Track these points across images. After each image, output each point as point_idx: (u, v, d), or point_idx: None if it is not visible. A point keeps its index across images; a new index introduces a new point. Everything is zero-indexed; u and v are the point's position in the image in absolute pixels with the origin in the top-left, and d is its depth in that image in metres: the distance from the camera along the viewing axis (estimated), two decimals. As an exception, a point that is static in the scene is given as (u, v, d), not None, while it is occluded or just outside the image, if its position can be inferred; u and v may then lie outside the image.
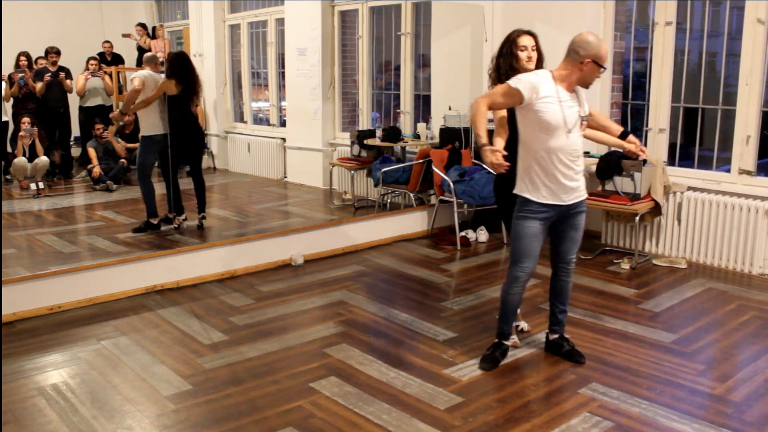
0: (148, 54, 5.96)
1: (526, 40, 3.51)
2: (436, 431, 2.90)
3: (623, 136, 3.44)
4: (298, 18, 7.98)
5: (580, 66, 3.14)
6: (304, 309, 4.38)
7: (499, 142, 3.35)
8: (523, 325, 3.93)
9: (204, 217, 5.98)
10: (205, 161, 9.07)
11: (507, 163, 3.09)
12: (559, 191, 3.24)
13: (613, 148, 5.55)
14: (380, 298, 4.60)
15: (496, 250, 5.79)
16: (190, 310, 4.36)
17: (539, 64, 3.55)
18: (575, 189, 3.29)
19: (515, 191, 3.34)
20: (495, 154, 3.07)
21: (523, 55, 3.49)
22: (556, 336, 3.63)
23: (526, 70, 3.39)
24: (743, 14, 4.97)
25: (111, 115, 6.47)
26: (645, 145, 5.68)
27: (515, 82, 3.13)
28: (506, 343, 3.58)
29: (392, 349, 3.75)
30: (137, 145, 7.45)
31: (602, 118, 3.54)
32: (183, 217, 5.97)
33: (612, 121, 3.57)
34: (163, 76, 5.68)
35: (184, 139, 5.79)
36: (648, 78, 5.64)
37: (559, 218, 3.34)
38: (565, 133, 3.18)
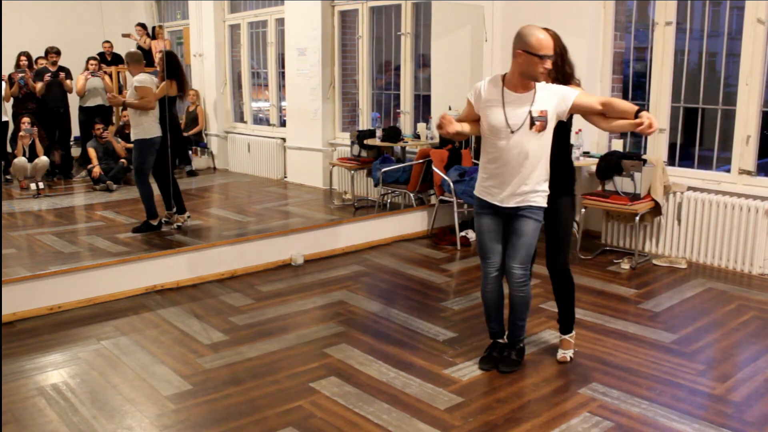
0: (137, 53, 5.82)
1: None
2: (436, 431, 2.90)
3: (637, 115, 3.19)
4: (298, 18, 7.98)
5: (515, 59, 3.08)
6: (304, 309, 4.38)
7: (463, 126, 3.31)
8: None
9: (189, 217, 6.00)
10: (205, 161, 9.08)
11: (446, 120, 3.16)
12: (496, 192, 3.23)
13: (613, 148, 5.58)
14: (380, 298, 4.60)
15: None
16: (190, 310, 4.36)
17: (564, 70, 3.34)
18: (519, 194, 3.20)
19: None
20: (444, 118, 3.15)
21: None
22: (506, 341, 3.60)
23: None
24: (743, 14, 4.97)
25: (109, 96, 6.41)
26: (645, 145, 5.69)
27: (470, 93, 3.24)
28: (500, 341, 3.58)
29: (392, 349, 3.75)
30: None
31: (618, 104, 3.19)
32: (187, 215, 5.96)
33: (627, 103, 3.22)
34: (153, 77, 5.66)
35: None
36: (648, 78, 5.64)
37: (506, 219, 3.30)
38: (507, 135, 3.12)
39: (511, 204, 3.22)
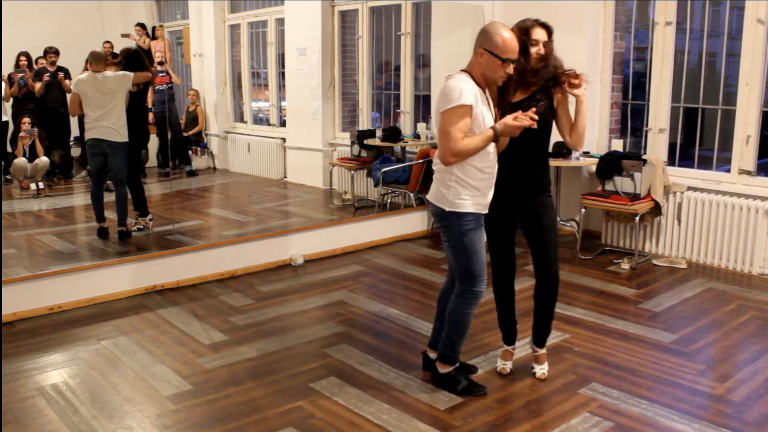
0: (98, 53, 5.65)
1: (538, 33, 3.06)
2: (436, 431, 2.90)
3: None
4: (298, 18, 7.98)
5: (477, 58, 2.87)
6: (304, 309, 4.38)
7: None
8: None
9: (151, 220, 6.00)
10: (205, 161, 9.09)
11: (532, 110, 2.86)
12: (486, 201, 3.03)
13: (613, 148, 5.58)
14: (380, 298, 4.60)
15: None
16: (190, 310, 4.36)
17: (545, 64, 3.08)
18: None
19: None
20: (517, 119, 2.83)
21: (533, 50, 3.03)
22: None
23: (531, 70, 3.03)
24: (743, 14, 4.97)
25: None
26: (645, 145, 5.68)
27: (461, 97, 2.79)
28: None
29: (392, 349, 3.75)
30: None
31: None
32: (149, 217, 5.96)
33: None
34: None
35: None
36: (648, 78, 5.64)
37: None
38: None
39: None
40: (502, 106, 3.05)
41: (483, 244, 3.02)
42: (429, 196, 3.07)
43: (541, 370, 3.38)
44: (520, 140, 3.00)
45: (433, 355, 3.41)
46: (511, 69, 2.86)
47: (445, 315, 3.17)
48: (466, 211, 2.94)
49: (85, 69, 7.55)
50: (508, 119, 2.85)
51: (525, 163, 3.12)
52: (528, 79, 3.07)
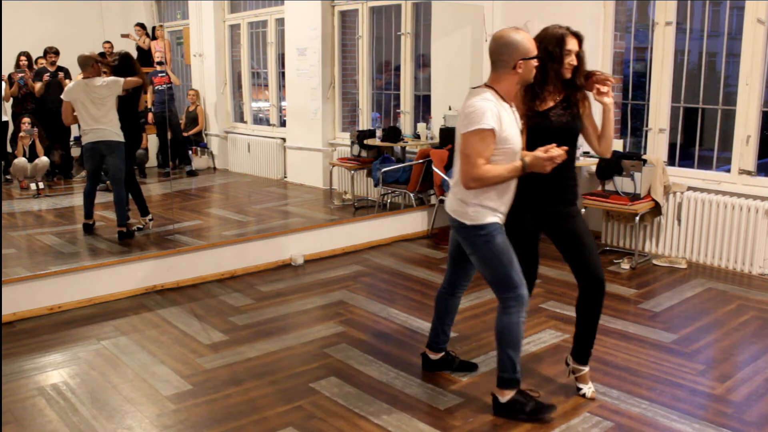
0: (85, 57, 5.64)
1: (572, 44, 2.94)
2: (436, 431, 2.90)
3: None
4: (298, 18, 7.98)
5: (514, 72, 2.74)
6: (304, 309, 4.38)
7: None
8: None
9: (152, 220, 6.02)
10: (205, 161, 9.09)
11: (563, 149, 2.76)
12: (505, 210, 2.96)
13: (613, 148, 5.57)
14: (380, 298, 4.60)
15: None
16: (190, 310, 4.36)
17: (576, 75, 3.00)
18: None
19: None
20: (548, 152, 2.72)
21: (566, 61, 2.93)
22: (442, 354, 3.43)
23: (563, 80, 2.97)
24: (743, 14, 4.97)
25: None
26: (645, 145, 5.68)
27: (483, 122, 2.67)
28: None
29: (392, 349, 3.75)
30: (137, 145, 7.46)
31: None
32: (149, 217, 5.98)
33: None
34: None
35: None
36: (648, 78, 5.64)
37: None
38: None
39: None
40: (529, 115, 2.96)
41: (510, 246, 2.89)
42: (448, 209, 2.96)
43: (590, 389, 3.19)
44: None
45: (432, 356, 3.40)
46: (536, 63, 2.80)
47: (496, 336, 2.96)
48: (487, 222, 2.84)
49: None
50: (539, 152, 2.73)
51: (555, 174, 2.90)
52: (561, 89, 2.99)
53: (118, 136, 5.55)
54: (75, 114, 5.54)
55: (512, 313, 2.90)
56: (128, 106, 5.73)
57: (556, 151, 2.73)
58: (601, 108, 3.00)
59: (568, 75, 2.96)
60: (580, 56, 2.96)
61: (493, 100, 2.73)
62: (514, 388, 2.97)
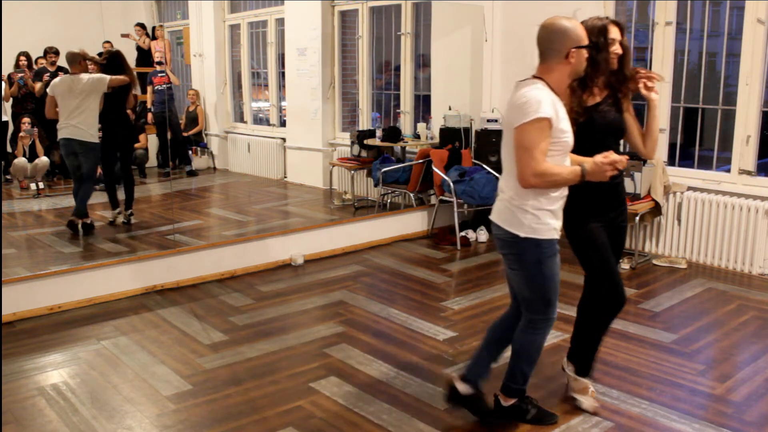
0: (74, 54, 5.66)
1: (615, 32, 2.83)
2: (436, 431, 2.90)
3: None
4: (298, 18, 7.98)
5: (566, 61, 2.57)
6: (304, 309, 4.38)
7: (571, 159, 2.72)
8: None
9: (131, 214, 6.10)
10: (205, 161, 9.08)
11: (625, 157, 2.61)
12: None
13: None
14: (380, 298, 4.60)
15: (496, 250, 5.77)
16: (190, 310, 4.36)
17: (622, 64, 2.90)
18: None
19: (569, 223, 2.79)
20: (607, 157, 2.56)
21: (611, 50, 2.83)
22: (474, 391, 2.95)
23: (612, 72, 2.87)
24: (743, 14, 4.97)
25: None
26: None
27: (540, 110, 2.47)
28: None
29: (392, 349, 3.75)
30: (137, 145, 7.46)
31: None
32: (130, 212, 6.07)
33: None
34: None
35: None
36: (648, 78, 5.63)
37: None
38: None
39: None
40: (578, 111, 2.82)
41: (559, 268, 2.71)
42: (496, 219, 2.71)
43: (595, 404, 3.07)
44: (598, 144, 2.75)
45: (462, 387, 2.92)
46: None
47: (514, 349, 2.84)
48: (545, 237, 2.61)
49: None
50: (599, 158, 2.55)
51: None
52: (610, 81, 2.89)
53: (92, 137, 5.61)
54: (58, 109, 5.57)
55: (539, 334, 2.77)
56: (116, 103, 5.78)
57: (618, 157, 2.56)
58: (645, 105, 2.89)
59: (615, 65, 2.86)
60: (624, 45, 2.86)
61: (545, 89, 2.55)
62: (518, 396, 2.92)
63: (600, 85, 2.90)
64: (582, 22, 2.75)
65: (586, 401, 3.07)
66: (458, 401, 2.94)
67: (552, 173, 2.51)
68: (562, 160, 2.61)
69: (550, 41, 2.56)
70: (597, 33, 2.80)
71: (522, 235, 2.61)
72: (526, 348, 2.81)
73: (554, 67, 2.58)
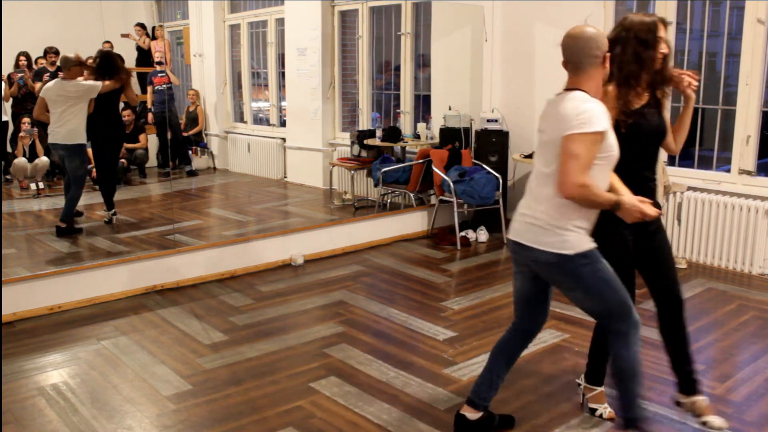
0: (68, 58, 5.64)
1: (663, 31, 2.76)
2: (436, 431, 2.90)
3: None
4: (298, 18, 7.98)
5: (603, 67, 2.54)
6: (304, 309, 4.38)
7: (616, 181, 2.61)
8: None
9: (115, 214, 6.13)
10: (205, 161, 9.09)
11: (658, 211, 2.55)
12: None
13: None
14: (380, 298, 4.60)
15: (496, 250, 5.79)
16: (190, 310, 4.36)
17: (666, 65, 2.86)
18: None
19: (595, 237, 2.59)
20: (645, 201, 2.49)
21: (660, 49, 2.75)
22: (483, 413, 2.86)
23: (659, 72, 2.80)
24: (743, 14, 4.97)
25: None
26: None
27: (600, 124, 2.39)
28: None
29: (392, 349, 3.75)
30: (137, 145, 7.47)
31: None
32: (113, 212, 6.09)
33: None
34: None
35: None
36: (648, 78, 5.63)
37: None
38: None
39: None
40: (625, 114, 2.71)
41: (611, 267, 2.57)
42: (537, 245, 2.53)
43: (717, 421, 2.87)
44: (643, 150, 2.73)
45: (471, 414, 2.83)
46: None
47: (616, 377, 2.62)
48: (590, 247, 2.52)
49: None
50: (636, 200, 2.48)
51: (644, 179, 2.72)
52: (654, 80, 2.81)
53: (75, 138, 5.61)
54: (48, 113, 5.58)
55: (632, 343, 2.56)
56: (106, 105, 5.78)
57: (652, 211, 2.48)
58: (681, 101, 2.84)
59: (659, 65, 2.76)
60: (669, 45, 2.74)
61: (595, 101, 2.47)
62: (643, 421, 2.65)
63: (643, 85, 2.81)
64: (626, 18, 2.68)
65: (716, 420, 2.87)
66: (469, 430, 2.85)
67: (594, 191, 2.41)
68: (607, 171, 2.53)
69: (588, 49, 2.49)
70: (647, 30, 2.70)
71: (571, 252, 2.48)
72: (626, 366, 2.58)
73: (592, 74, 2.52)
